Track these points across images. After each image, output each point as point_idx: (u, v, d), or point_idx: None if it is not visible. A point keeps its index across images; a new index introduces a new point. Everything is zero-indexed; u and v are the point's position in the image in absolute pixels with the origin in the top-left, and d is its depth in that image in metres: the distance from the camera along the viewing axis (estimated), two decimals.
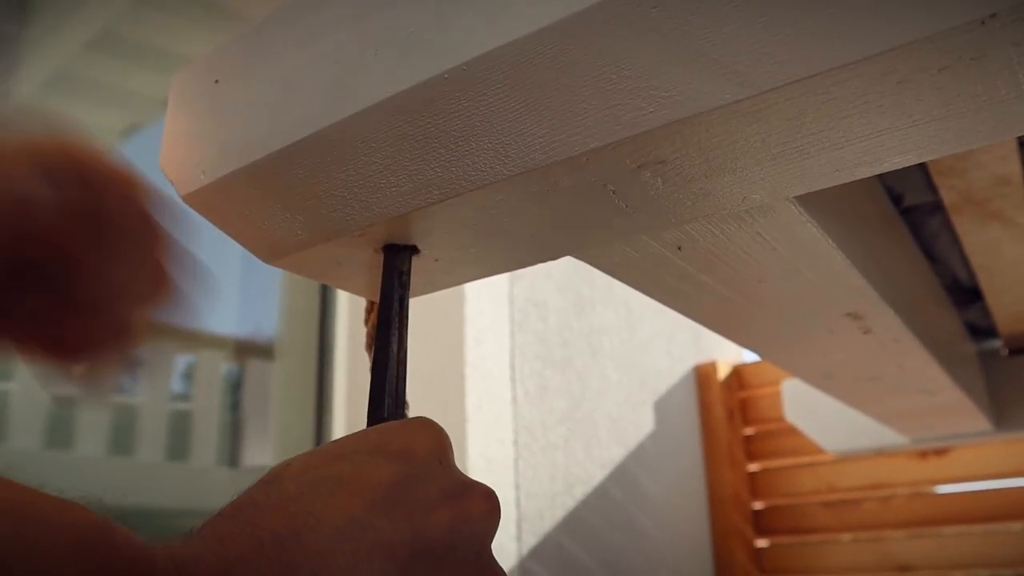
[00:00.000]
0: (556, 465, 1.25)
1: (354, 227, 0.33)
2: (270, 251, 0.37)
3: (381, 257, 0.35)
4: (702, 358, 1.67)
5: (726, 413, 1.60)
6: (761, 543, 1.51)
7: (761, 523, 1.53)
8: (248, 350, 1.62)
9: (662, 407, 1.53)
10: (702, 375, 1.63)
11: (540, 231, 0.33)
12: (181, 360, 1.59)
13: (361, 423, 0.49)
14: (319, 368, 1.31)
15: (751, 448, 1.58)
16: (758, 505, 1.54)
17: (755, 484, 1.55)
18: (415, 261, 0.36)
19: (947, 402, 0.73)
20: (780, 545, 1.49)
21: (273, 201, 0.34)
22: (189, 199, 0.37)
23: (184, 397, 1.65)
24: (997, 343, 0.93)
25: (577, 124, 0.27)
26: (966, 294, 0.82)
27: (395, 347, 0.34)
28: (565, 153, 0.27)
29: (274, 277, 1.38)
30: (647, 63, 0.25)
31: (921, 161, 0.28)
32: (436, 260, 0.37)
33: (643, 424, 1.47)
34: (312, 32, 0.33)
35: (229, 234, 0.37)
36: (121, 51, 1.79)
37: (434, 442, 0.29)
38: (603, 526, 1.31)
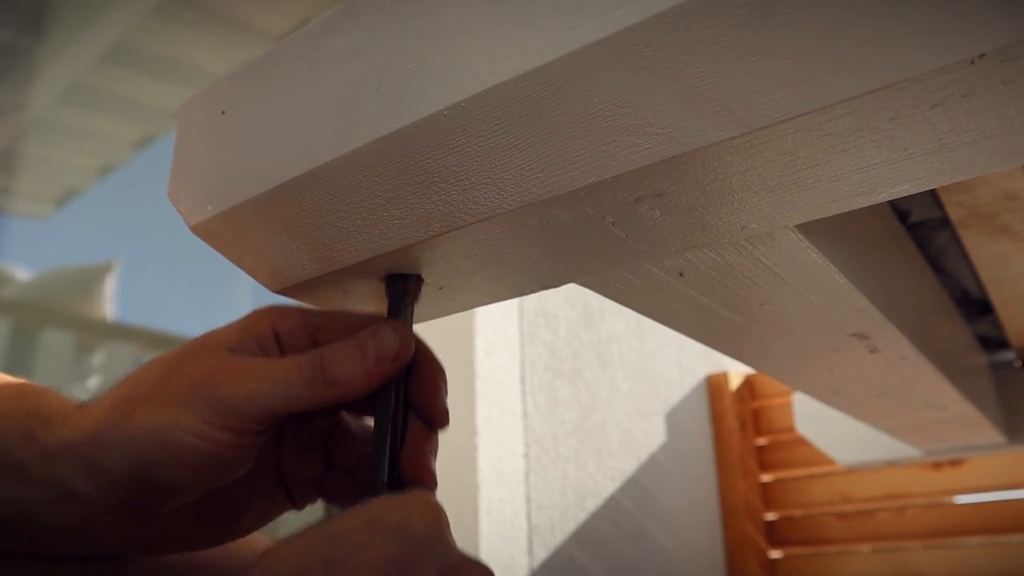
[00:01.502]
0: (567, 477, 1.25)
1: (358, 258, 0.34)
2: (277, 281, 0.37)
3: (383, 287, 0.36)
4: (713, 368, 1.67)
5: (738, 423, 1.59)
6: (775, 554, 1.51)
7: (774, 534, 1.52)
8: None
9: (673, 417, 1.53)
10: (714, 385, 1.63)
11: (542, 260, 0.34)
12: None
13: None
14: None
15: (764, 458, 1.58)
16: (771, 516, 1.54)
17: (768, 494, 1.55)
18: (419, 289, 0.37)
19: (958, 416, 0.73)
20: (794, 556, 1.48)
21: (279, 233, 0.35)
22: (197, 229, 0.37)
23: None
24: (1010, 355, 0.93)
25: (574, 160, 0.27)
26: (976, 306, 0.81)
27: (395, 404, 0.34)
28: (563, 188, 0.28)
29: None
30: (642, 101, 0.25)
31: (918, 191, 0.28)
32: (440, 288, 0.37)
33: (654, 435, 1.47)
34: (316, 65, 0.34)
35: (236, 264, 0.37)
36: (136, 63, 1.81)
37: (431, 518, 0.29)
38: (615, 538, 1.31)
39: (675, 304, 0.41)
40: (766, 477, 1.57)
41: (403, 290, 0.35)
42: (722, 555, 1.52)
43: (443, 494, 0.37)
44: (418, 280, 0.36)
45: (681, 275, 0.37)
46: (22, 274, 1.77)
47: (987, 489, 1.28)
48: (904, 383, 0.59)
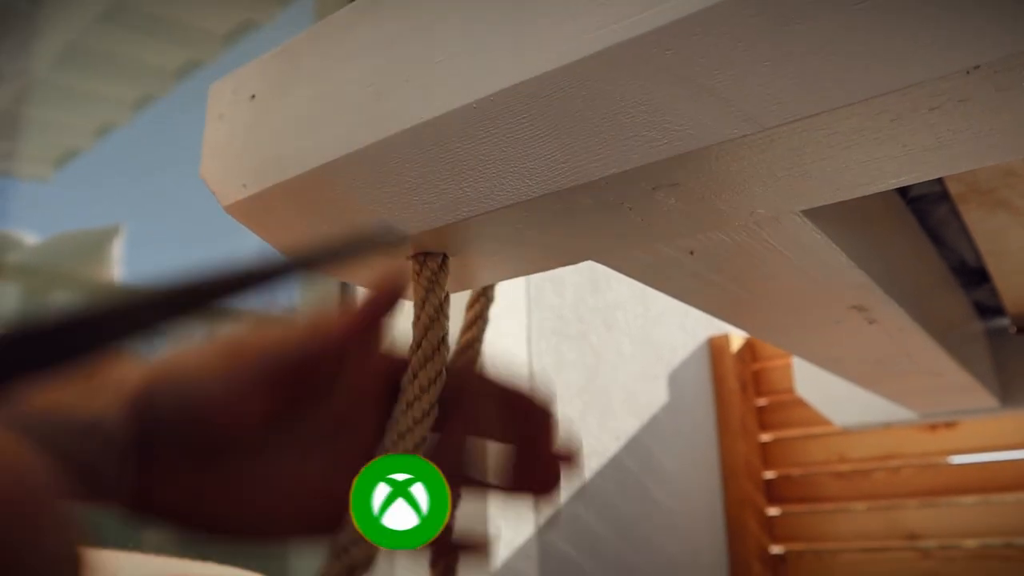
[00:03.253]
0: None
1: (388, 239, 0.36)
2: None
3: (411, 264, 0.38)
4: (715, 331, 1.69)
5: (739, 385, 1.62)
6: (773, 511, 1.55)
7: (773, 492, 1.56)
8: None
9: (676, 379, 1.56)
10: (715, 347, 1.65)
11: (562, 241, 0.36)
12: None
13: None
14: None
15: (763, 419, 1.61)
16: (770, 475, 1.57)
17: (767, 454, 1.58)
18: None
19: (954, 382, 0.75)
20: (791, 514, 1.52)
21: (311, 214, 0.37)
22: (230, 209, 0.39)
23: None
24: (1005, 321, 0.95)
25: (597, 152, 0.29)
26: (974, 275, 0.83)
27: None
28: (586, 178, 0.30)
29: None
30: (661, 100, 0.27)
31: (917, 181, 0.30)
32: (464, 265, 0.39)
33: (657, 396, 1.50)
34: (346, 54, 0.35)
35: (268, 241, 0.39)
36: (133, 23, 1.81)
37: None
38: (618, 496, 1.34)
39: (684, 279, 0.43)
40: (765, 437, 1.61)
41: (430, 268, 0.37)
42: (722, 512, 1.56)
43: None
44: (444, 258, 0.38)
45: (691, 253, 0.39)
46: (29, 239, 1.79)
47: (980, 450, 1.31)
48: (901, 352, 0.61)
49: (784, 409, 1.59)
